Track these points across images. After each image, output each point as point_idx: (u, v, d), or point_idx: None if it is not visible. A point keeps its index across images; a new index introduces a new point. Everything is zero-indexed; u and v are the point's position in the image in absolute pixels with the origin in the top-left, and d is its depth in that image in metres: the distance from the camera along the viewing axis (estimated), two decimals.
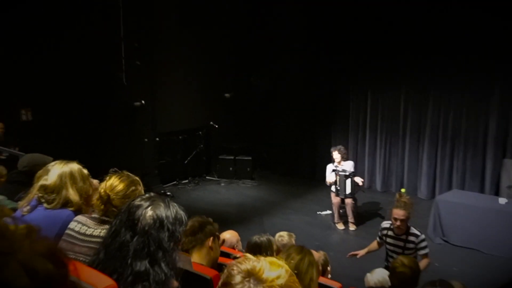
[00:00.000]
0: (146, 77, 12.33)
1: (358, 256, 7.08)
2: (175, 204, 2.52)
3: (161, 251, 2.33)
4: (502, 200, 9.60)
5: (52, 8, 10.43)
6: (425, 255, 6.29)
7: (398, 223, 6.31)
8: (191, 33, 13.12)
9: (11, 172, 5.82)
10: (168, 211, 2.42)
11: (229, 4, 13.78)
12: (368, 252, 7.08)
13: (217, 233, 3.87)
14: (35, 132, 10.21)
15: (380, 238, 6.72)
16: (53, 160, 3.97)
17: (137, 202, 2.47)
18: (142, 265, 2.31)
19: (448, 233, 9.62)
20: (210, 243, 3.72)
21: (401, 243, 6.40)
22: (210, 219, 3.89)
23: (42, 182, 3.25)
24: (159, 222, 2.36)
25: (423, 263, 6.03)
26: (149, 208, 2.40)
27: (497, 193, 11.03)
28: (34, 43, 10.36)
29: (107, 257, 2.45)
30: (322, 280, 5.06)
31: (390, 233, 6.53)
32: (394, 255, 6.25)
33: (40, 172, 3.32)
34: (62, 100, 10.98)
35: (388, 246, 6.58)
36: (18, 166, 5.50)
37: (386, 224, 6.68)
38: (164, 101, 12.83)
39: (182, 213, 2.49)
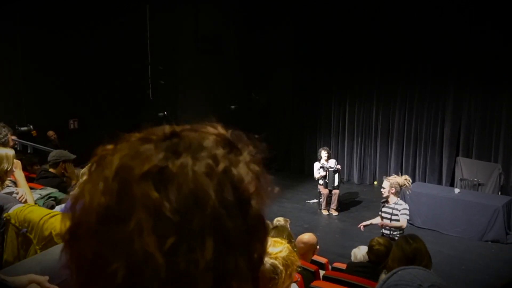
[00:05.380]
0: (168, 93, 12.31)
1: (364, 224, 7.25)
2: None
3: None
4: (456, 190, 9.57)
5: (96, 41, 10.65)
6: (403, 218, 6.55)
7: (381, 190, 6.81)
8: (204, 58, 13.09)
9: (40, 170, 5.75)
10: None
11: (233, 35, 13.78)
12: (371, 224, 7.27)
13: None
14: (80, 138, 10.19)
15: (380, 211, 6.95)
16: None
17: None
18: None
19: (413, 217, 9.51)
20: None
21: (390, 210, 6.67)
22: None
23: (86, 177, 3.21)
24: None
25: (398, 224, 6.50)
26: None
27: (452, 184, 10.96)
28: (81, 69, 10.52)
29: None
30: (313, 257, 5.03)
31: (384, 203, 6.84)
32: (386, 220, 6.69)
33: (83, 170, 3.28)
34: (102, 112, 11.03)
35: (382, 214, 6.81)
36: (48, 158, 5.51)
37: (383, 199, 6.94)
38: (183, 112, 12.81)
39: None
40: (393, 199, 6.65)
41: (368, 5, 11.92)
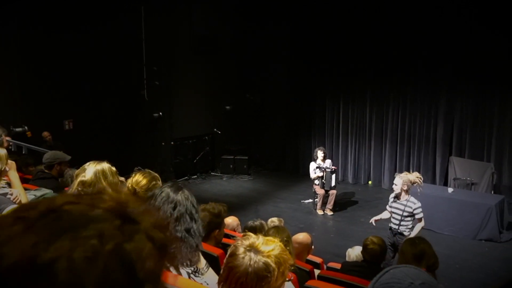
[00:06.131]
0: (163, 94, 12.29)
1: (375, 219, 7.22)
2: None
3: (194, 220, 2.42)
4: (450, 190, 9.59)
5: (91, 42, 10.66)
6: (420, 219, 6.57)
7: (393, 186, 6.76)
8: (199, 59, 13.09)
9: (37, 171, 5.72)
10: (192, 196, 2.49)
11: (228, 36, 13.80)
12: (381, 218, 7.23)
13: (222, 222, 3.81)
14: (75, 139, 10.17)
15: (390, 206, 6.89)
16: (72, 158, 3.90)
17: (167, 191, 2.48)
18: (188, 225, 2.40)
19: None
20: (215, 234, 3.69)
21: (402, 207, 6.62)
22: (223, 205, 3.85)
23: (80, 178, 3.19)
24: (190, 202, 2.44)
25: (419, 226, 6.54)
26: (179, 194, 2.42)
27: (445, 184, 11.00)
28: (76, 70, 10.52)
29: None
30: (308, 256, 5.03)
31: (395, 199, 6.78)
32: (395, 216, 6.67)
33: (78, 171, 3.26)
34: (97, 113, 11.02)
35: (392, 209, 6.80)
36: (43, 160, 5.48)
37: (393, 194, 6.90)
38: (178, 112, 12.79)
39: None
40: (404, 196, 6.66)
41: (362, 6, 11.94)
